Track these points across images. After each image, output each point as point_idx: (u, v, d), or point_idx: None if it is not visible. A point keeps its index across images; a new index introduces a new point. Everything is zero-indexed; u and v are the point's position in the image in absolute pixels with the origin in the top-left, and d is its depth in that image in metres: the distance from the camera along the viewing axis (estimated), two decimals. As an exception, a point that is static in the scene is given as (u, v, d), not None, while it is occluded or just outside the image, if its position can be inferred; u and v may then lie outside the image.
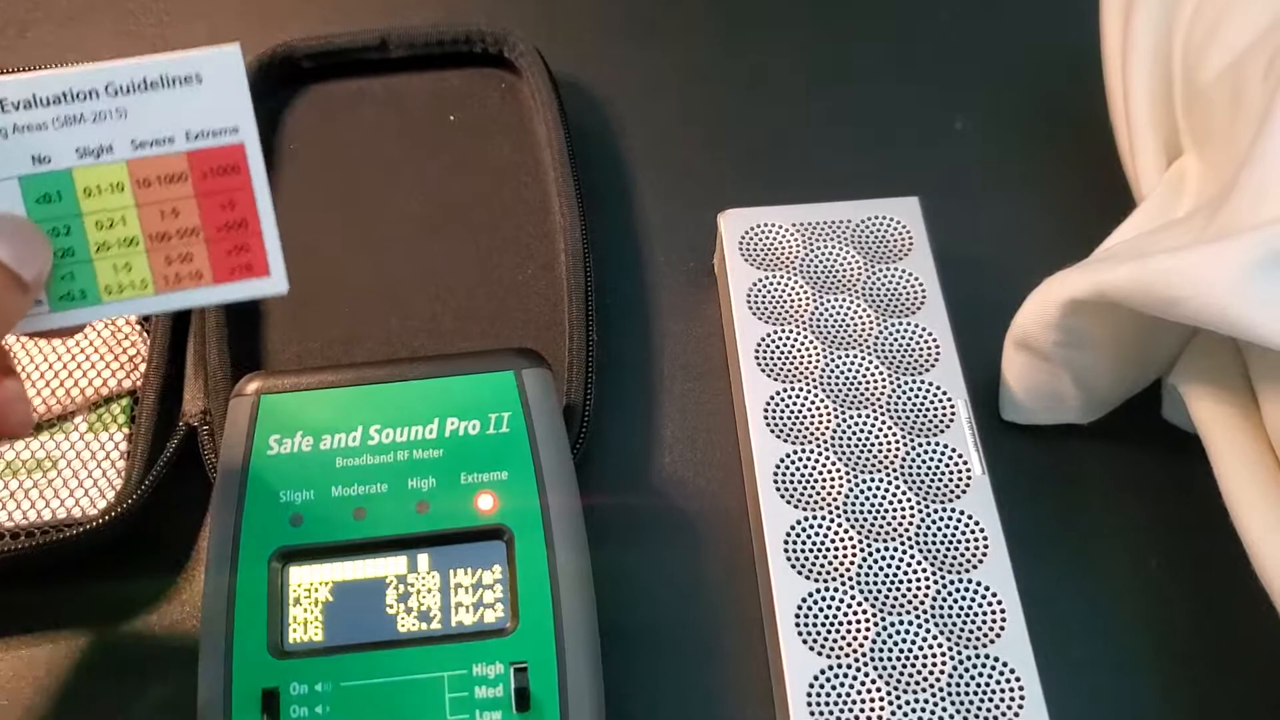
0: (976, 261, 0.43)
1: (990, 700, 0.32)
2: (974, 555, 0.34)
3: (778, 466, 0.36)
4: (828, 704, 0.32)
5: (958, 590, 0.33)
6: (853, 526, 0.35)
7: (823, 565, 0.34)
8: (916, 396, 0.37)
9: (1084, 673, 0.36)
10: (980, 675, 0.32)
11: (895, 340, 0.38)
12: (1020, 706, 0.32)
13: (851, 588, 0.34)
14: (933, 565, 0.34)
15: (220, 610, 0.32)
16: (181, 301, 0.31)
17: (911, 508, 0.35)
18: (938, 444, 0.36)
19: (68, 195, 0.30)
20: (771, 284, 0.39)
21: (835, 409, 0.37)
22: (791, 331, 0.38)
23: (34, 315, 0.30)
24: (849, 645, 0.33)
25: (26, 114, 0.29)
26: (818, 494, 0.35)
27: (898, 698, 0.32)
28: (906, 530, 0.35)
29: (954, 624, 0.33)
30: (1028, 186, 0.46)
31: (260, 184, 0.30)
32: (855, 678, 0.32)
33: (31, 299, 0.29)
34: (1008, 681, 0.32)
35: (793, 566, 0.34)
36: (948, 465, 0.36)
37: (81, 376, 0.40)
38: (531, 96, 0.47)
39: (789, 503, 0.35)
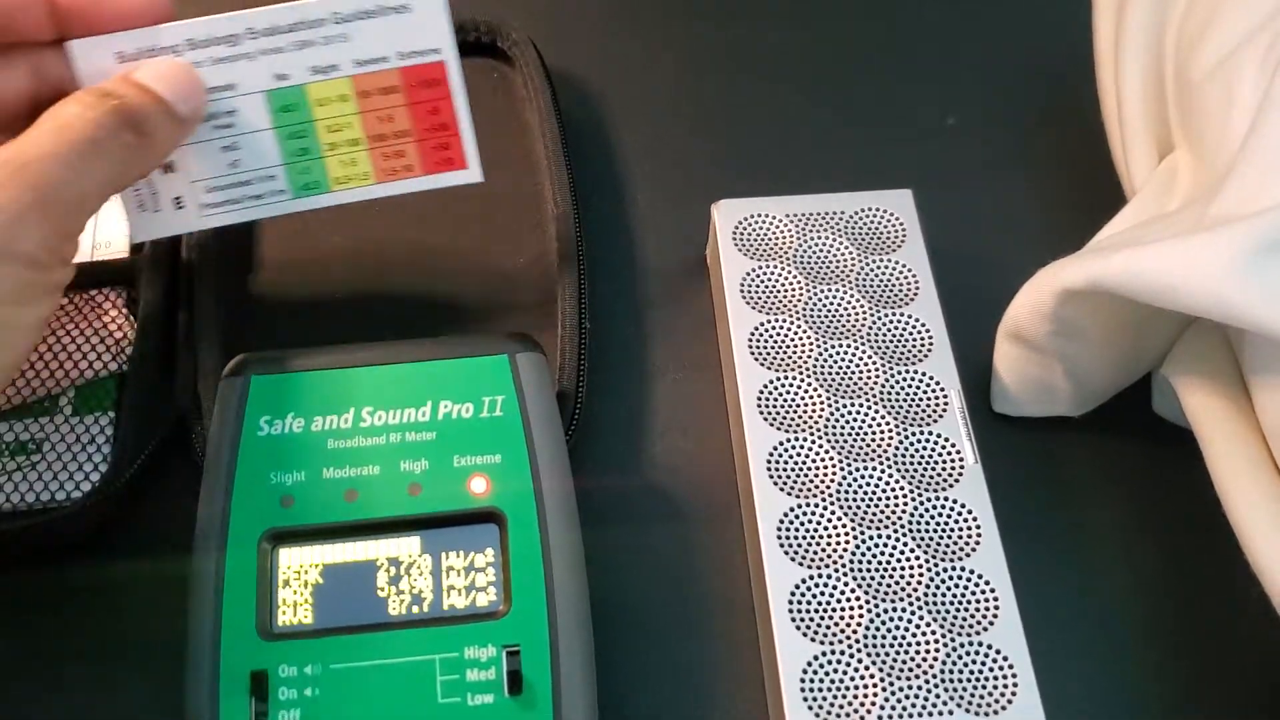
0: (969, 254, 0.43)
1: (983, 687, 0.32)
2: (967, 543, 0.34)
3: (771, 455, 0.36)
4: (821, 690, 0.32)
5: (951, 578, 0.33)
6: (846, 514, 0.35)
7: (816, 552, 0.34)
8: (910, 387, 0.37)
9: (1076, 660, 0.36)
10: (973, 662, 0.32)
11: (889, 331, 0.38)
12: (1013, 693, 0.32)
13: (845, 575, 0.33)
14: (926, 553, 0.34)
15: (209, 592, 0.31)
16: (397, 189, 0.38)
17: (905, 496, 0.35)
18: (931, 433, 0.36)
19: (303, 106, 0.36)
20: (765, 274, 0.39)
21: (828, 398, 0.37)
22: (785, 321, 0.38)
23: (279, 202, 0.37)
24: (842, 632, 0.33)
25: (269, 40, 0.35)
26: (811, 482, 0.35)
27: (891, 684, 0.32)
28: (900, 518, 0.34)
29: (947, 611, 0.33)
30: (1021, 180, 0.47)
31: (459, 94, 0.37)
32: (848, 664, 0.32)
33: (187, 132, 0.35)
34: (1000, 668, 0.32)
35: (786, 553, 0.34)
36: (941, 454, 0.36)
37: (67, 359, 0.39)
38: (525, 86, 0.47)
39: (782, 490, 0.35)
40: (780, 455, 0.36)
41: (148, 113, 0.32)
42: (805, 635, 0.32)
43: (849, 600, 0.33)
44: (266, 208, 0.37)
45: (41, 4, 0.33)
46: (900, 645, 0.32)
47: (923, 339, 0.38)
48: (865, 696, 0.32)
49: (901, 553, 0.34)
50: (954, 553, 0.34)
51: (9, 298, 0.29)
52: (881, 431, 0.36)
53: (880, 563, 0.34)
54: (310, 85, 0.36)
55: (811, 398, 0.37)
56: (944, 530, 0.34)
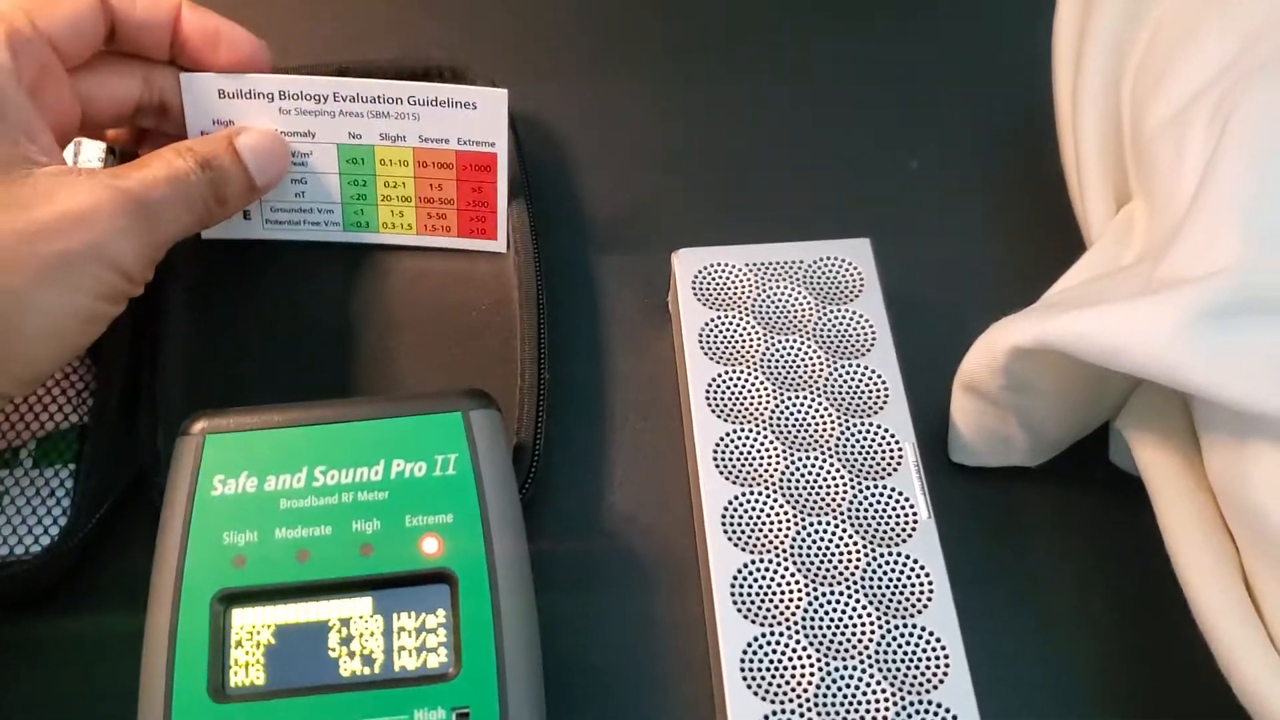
0: (928, 303, 0.43)
1: (932, 747, 0.32)
2: (919, 600, 0.34)
3: (726, 508, 0.36)
4: (770, 750, 0.32)
5: (902, 635, 0.34)
6: (799, 570, 0.35)
7: (769, 609, 0.34)
8: (865, 439, 0.37)
9: (1028, 717, 0.36)
10: (922, 721, 0.32)
11: (845, 382, 0.38)
12: (961, 753, 0.32)
13: (797, 633, 0.34)
14: (877, 610, 0.34)
15: (160, 652, 0.31)
16: (433, 243, 0.44)
17: (857, 551, 0.35)
18: (885, 487, 0.36)
19: (369, 161, 0.42)
20: (723, 324, 0.40)
21: (784, 451, 0.37)
22: (742, 372, 0.39)
23: (331, 231, 0.44)
24: (794, 691, 0.33)
25: (350, 105, 0.41)
26: (765, 537, 0.35)
27: (840, 744, 0.32)
28: (852, 574, 0.35)
29: (898, 670, 0.33)
30: (980, 228, 0.47)
31: (501, 182, 0.43)
32: (798, 723, 0.32)
33: (257, 197, 0.41)
34: (950, 728, 0.32)
35: (739, 610, 0.34)
36: (894, 509, 0.36)
37: (27, 410, 0.39)
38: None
39: (736, 545, 0.35)
40: (735, 509, 0.36)
41: (232, 183, 0.39)
42: (756, 694, 0.33)
43: (801, 659, 0.33)
44: (320, 233, 0.44)
45: (166, 30, 0.39)
46: (851, 704, 0.32)
47: (878, 391, 0.38)
48: (814, 756, 0.32)
49: (853, 610, 0.34)
50: (905, 609, 0.34)
51: (101, 294, 0.35)
52: (836, 485, 0.36)
53: (832, 620, 0.34)
54: (378, 147, 0.42)
55: (767, 451, 0.37)
56: (896, 587, 0.34)
